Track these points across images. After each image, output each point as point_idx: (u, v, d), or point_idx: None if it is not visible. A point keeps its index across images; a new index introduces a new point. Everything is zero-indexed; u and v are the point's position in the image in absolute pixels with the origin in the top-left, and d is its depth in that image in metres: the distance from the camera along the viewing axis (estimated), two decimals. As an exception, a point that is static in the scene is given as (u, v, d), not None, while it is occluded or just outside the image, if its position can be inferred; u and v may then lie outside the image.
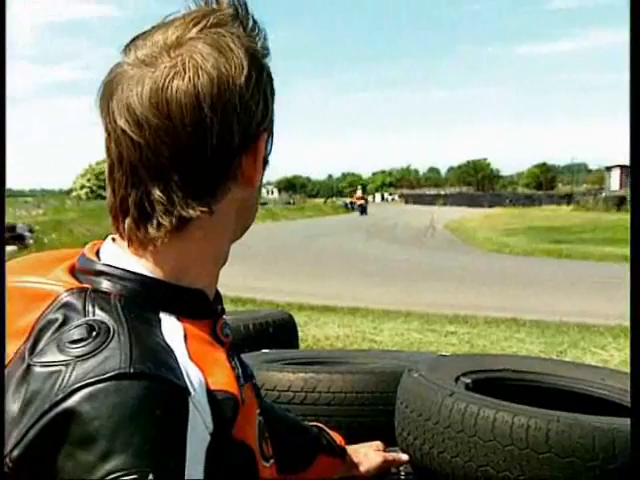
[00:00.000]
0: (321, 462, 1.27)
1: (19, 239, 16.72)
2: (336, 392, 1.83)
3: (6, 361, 0.73)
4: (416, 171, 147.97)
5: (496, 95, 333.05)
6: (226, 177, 0.81)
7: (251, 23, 0.83)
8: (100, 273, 0.81)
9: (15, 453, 0.67)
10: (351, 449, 1.37)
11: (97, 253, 0.86)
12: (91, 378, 0.67)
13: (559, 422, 1.40)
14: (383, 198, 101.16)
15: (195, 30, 0.79)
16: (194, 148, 0.77)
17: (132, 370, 0.68)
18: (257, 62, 0.81)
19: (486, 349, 6.12)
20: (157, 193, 0.77)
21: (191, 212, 0.78)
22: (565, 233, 22.75)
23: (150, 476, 0.63)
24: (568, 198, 51.76)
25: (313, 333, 6.67)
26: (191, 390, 0.71)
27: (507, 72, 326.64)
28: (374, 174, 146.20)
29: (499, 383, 1.80)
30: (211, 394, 0.74)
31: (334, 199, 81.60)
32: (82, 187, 58.19)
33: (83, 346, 0.70)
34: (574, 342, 6.37)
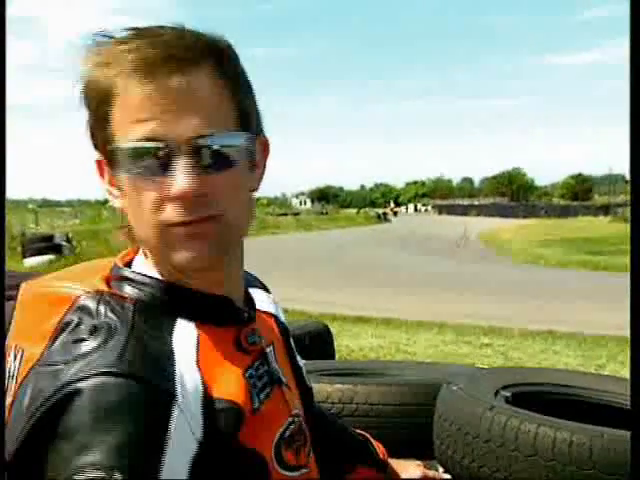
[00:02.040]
0: (361, 472, 1.27)
1: (56, 248, 17.05)
2: (373, 404, 1.82)
3: (33, 362, 0.75)
4: (449, 181, 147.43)
5: (531, 105, 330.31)
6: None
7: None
8: (123, 279, 0.85)
9: (11, 448, 0.69)
10: (392, 461, 1.37)
11: (131, 261, 0.89)
12: (81, 374, 0.69)
13: (603, 438, 1.37)
14: (416, 209, 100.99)
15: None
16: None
17: (117, 370, 0.70)
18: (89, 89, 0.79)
19: (522, 362, 6.04)
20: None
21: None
22: (602, 245, 22.37)
23: (117, 475, 0.63)
24: (605, 209, 50.86)
25: (346, 343, 6.66)
26: (179, 396, 0.72)
27: (542, 82, 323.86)
28: (407, 185, 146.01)
29: (539, 397, 1.77)
30: (209, 402, 0.75)
31: (367, 209, 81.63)
32: (118, 197, 58.83)
33: (85, 345, 0.73)
34: (613, 355, 6.26)
